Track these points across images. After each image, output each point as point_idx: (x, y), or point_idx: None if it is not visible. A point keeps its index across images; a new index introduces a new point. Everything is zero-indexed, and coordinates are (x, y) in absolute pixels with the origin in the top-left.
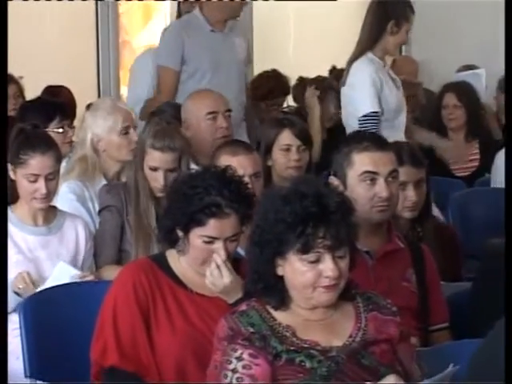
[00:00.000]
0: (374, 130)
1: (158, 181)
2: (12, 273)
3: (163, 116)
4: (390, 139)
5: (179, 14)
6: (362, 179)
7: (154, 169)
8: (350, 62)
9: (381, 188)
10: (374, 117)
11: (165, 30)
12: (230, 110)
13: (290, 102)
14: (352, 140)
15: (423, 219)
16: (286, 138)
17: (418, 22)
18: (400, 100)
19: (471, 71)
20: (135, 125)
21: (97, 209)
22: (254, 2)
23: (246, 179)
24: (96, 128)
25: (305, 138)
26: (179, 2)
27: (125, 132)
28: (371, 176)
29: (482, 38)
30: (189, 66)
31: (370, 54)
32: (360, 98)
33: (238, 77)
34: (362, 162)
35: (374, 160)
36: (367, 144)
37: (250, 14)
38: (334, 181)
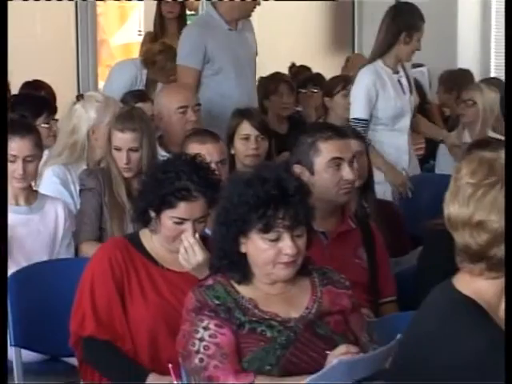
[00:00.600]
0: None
1: (122, 160)
2: None
3: None
4: (390, 142)
5: (160, 15)
6: (329, 165)
7: (118, 149)
8: (360, 68)
9: (346, 172)
10: (361, 122)
11: (185, 31)
12: (199, 105)
13: None
14: (315, 131)
15: (367, 191)
16: (245, 128)
17: (371, 22)
18: (405, 104)
19: (417, 69)
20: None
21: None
22: None
23: (213, 166)
24: (92, 119)
25: (263, 129)
26: (159, 4)
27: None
28: (337, 162)
29: (426, 38)
30: (213, 64)
31: (379, 63)
32: (353, 103)
33: (254, 71)
34: (328, 149)
35: (339, 147)
36: (330, 133)
37: None
38: (297, 169)
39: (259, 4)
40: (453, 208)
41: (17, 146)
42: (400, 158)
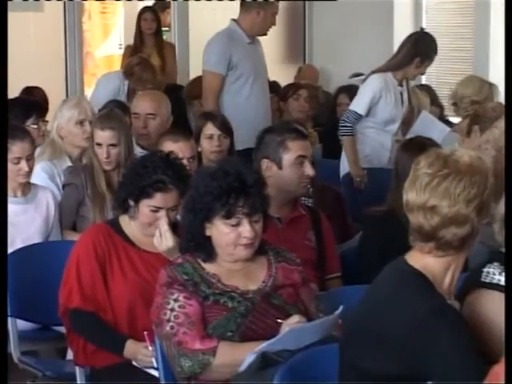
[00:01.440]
0: (349, 124)
1: (102, 155)
2: None
3: None
4: (377, 139)
5: (139, 31)
6: (296, 162)
7: (99, 144)
8: (373, 72)
9: (308, 168)
10: (355, 115)
11: (212, 41)
12: (153, 114)
13: None
14: (284, 131)
15: (313, 181)
16: (209, 128)
17: (319, 36)
18: (399, 113)
19: (358, 77)
20: (91, 119)
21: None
22: (189, 4)
23: (185, 161)
24: (60, 118)
25: (224, 128)
26: (138, 21)
27: (80, 123)
28: (301, 159)
29: (367, 50)
30: (236, 71)
31: (389, 75)
32: (357, 98)
33: (267, 78)
34: (295, 148)
35: (303, 146)
36: (296, 134)
37: (187, 16)
38: (265, 163)
39: (275, 24)
40: (411, 194)
41: (19, 149)
42: (382, 154)
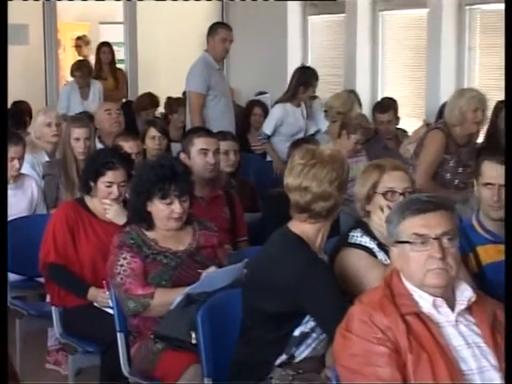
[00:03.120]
0: (264, 137)
1: (81, 147)
2: None
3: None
4: (286, 146)
5: (99, 60)
6: (200, 153)
7: (77, 139)
8: (276, 102)
9: (210, 158)
10: (265, 134)
11: (193, 67)
12: (119, 109)
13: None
14: (192, 131)
15: (236, 173)
16: (152, 131)
17: (233, 59)
18: (301, 126)
19: (263, 95)
20: (59, 122)
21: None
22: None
23: (133, 156)
24: (34, 123)
25: (164, 132)
26: (97, 53)
27: (48, 125)
28: (204, 151)
29: (268, 70)
30: (213, 91)
31: (288, 105)
32: (266, 122)
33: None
34: (200, 143)
35: (206, 142)
36: (202, 132)
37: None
38: (182, 155)
39: (228, 49)
40: (289, 179)
41: (14, 150)
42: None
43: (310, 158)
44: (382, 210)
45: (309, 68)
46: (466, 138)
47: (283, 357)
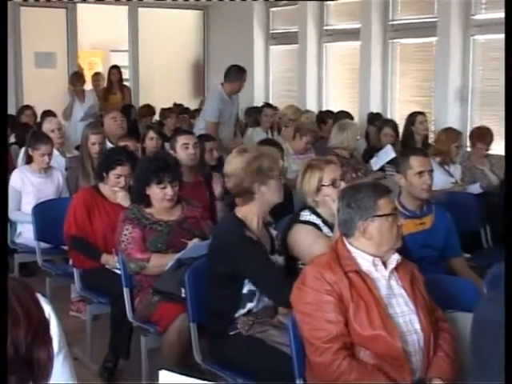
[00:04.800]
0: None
1: (96, 149)
2: (30, 197)
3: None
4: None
5: (109, 79)
6: (183, 147)
7: (94, 144)
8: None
9: (190, 150)
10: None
11: (210, 99)
12: (123, 116)
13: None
14: (176, 132)
15: (217, 166)
16: (151, 134)
17: (216, 77)
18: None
19: None
20: (60, 127)
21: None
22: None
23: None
24: (44, 129)
25: (159, 134)
26: (109, 73)
27: (52, 131)
28: (186, 145)
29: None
30: (222, 118)
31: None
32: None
33: (236, 120)
34: (181, 139)
35: (186, 138)
36: (182, 131)
37: (137, 61)
38: (171, 151)
39: (239, 91)
40: (228, 166)
41: (45, 149)
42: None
43: (240, 150)
44: (329, 196)
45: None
46: (348, 154)
47: (241, 311)
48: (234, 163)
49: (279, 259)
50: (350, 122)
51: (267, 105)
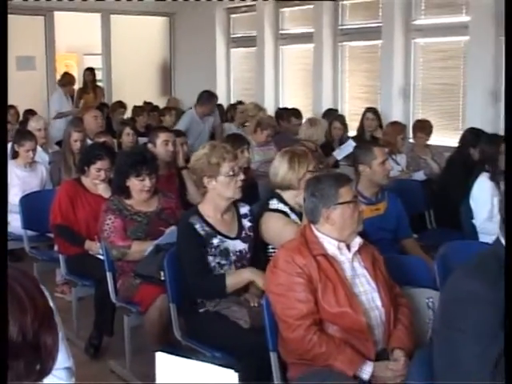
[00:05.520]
0: None
1: (77, 146)
2: (17, 189)
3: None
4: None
5: (84, 81)
6: (163, 144)
7: (75, 140)
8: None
9: (170, 147)
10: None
11: (185, 116)
12: (102, 115)
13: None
14: (157, 129)
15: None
16: (127, 130)
17: (184, 78)
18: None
19: None
20: (46, 127)
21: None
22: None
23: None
24: (29, 127)
25: (134, 130)
26: (84, 76)
27: (38, 130)
28: (166, 142)
29: (205, 86)
30: (191, 135)
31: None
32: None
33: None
34: (163, 136)
35: (167, 135)
36: (164, 129)
37: (109, 63)
38: (150, 145)
39: (210, 114)
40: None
41: (29, 146)
42: None
43: (201, 147)
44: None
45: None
46: (314, 147)
47: None
48: (192, 159)
49: (239, 245)
50: (320, 118)
51: (239, 102)
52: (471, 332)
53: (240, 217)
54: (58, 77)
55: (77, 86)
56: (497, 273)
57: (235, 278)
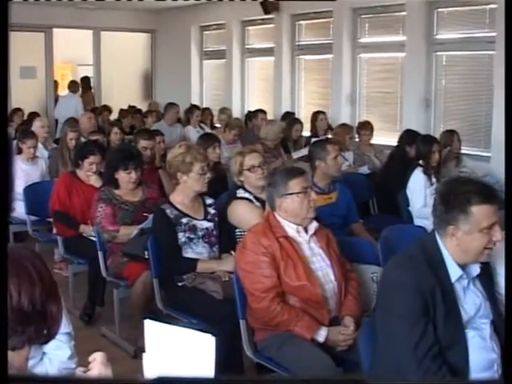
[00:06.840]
0: None
1: (72, 143)
2: (21, 180)
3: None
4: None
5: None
6: (143, 150)
7: (71, 139)
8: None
9: (147, 152)
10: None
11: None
12: (96, 116)
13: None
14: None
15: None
16: (115, 129)
17: (163, 83)
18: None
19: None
20: (49, 125)
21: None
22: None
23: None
24: (34, 127)
25: (122, 130)
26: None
27: (41, 127)
28: (145, 148)
29: (180, 92)
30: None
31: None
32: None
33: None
34: (142, 143)
35: (147, 143)
36: (142, 133)
37: (99, 72)
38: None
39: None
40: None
41: (32, 144)
42: None
43: (177, 146)
44: (250, 179)
45: (195, 106)
46: (272, 144)
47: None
48: (169, 155)
49: (206, 224)
50: (275, 120)
51: (194, 106)
52: (396, 313)
53: (206, 206)
54: (57, 83)
55: None
56: (423, 266)
57: (204, 266)
